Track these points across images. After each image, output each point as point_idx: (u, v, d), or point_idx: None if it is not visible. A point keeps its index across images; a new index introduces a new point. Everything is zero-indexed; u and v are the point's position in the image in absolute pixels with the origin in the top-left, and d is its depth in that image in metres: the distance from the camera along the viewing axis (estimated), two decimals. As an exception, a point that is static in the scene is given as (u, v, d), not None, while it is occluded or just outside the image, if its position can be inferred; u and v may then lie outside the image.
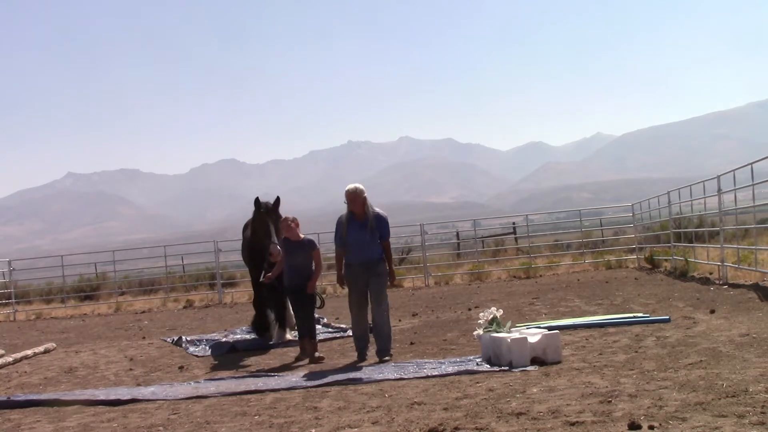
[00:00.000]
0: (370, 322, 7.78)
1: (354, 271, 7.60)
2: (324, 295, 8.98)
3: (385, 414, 5.06)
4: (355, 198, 7.54)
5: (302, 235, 8.21)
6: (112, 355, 9.83)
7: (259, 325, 9.89)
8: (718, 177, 12.67)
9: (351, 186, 7.65)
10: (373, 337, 7.66)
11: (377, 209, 7.64)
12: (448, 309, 11.98)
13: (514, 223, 30.42)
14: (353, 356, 7.92)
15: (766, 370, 5.22)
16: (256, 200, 9.28)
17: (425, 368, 6.63)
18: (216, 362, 8.64)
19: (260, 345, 9.48)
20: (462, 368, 6.46)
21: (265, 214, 9.09)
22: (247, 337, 10.34)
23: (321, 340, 9.34)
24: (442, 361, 6.96)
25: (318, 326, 10.67)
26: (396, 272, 20.56)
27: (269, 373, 7.39)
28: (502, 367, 6.31)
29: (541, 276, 18.38)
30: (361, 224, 7.52)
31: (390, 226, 7.75)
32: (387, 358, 7.45)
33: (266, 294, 9.63)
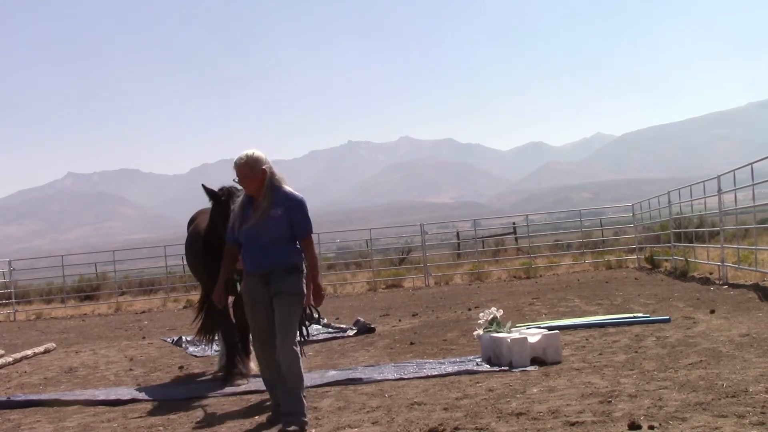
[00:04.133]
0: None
1: (250, 283, 5.05)
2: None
3: (385, 414, 5.06)
4: (248, 172, 4.98)
5: None
6: (112, 355, 9.82)
7: (233, 367, 7.10)
8: (718, 177, 12.67)
9: (242, 155, 5.04)
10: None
11: (288, 188, 5.08)
12: (448, 309, 11.97)
13: (514, 223, 30.43)
14: (353, 356, 7.90)
15: (766, 370, 5.22)
16: (210, 190, 6.89)
17: (425, 368, 6.63)
18: (216, 362, 8.64)
19: None
20: (462, 368, 6.46)
21: (227, 205, 6.56)
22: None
23: (321, 341, 9.34)
24: (442, 361, 6.96)
25: (317, 326, 10.67)
26: (396, 272, 20.89)
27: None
28: (502, 367, 6.31)
29: (541, 276, 18.38)
30: (260, 212, 4.98)
31: (310, 214, 5.09)
32: (293, 428, 4.73)
33: (226, 317, 7.24)
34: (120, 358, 9.38)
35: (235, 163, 5.03)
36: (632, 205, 20.77)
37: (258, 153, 5.03)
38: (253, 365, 7.05)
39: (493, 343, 6.63)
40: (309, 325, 5.57)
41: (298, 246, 5.07)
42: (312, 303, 5.12)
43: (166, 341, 10.80)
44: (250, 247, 5.03)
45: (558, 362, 6.34)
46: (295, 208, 5.01)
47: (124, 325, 14.47)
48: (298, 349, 5.02)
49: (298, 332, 5.09)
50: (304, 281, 5.07)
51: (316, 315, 5.43)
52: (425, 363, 6.90)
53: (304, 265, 5.10)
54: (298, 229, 5.02)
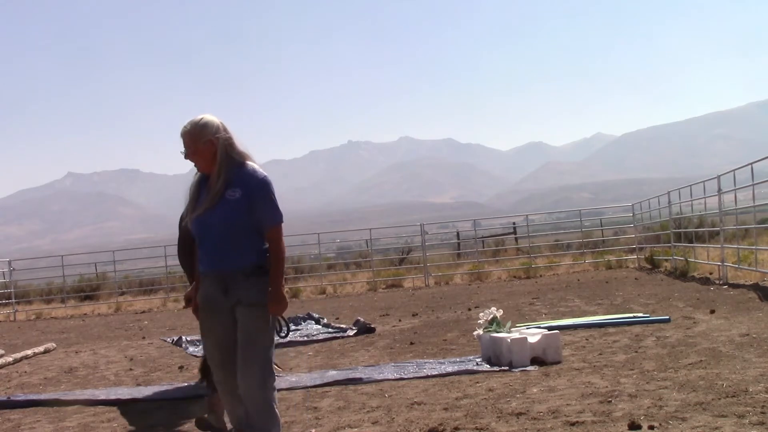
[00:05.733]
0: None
1: (206, 287, 3.99)
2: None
3: (385, 414, 5.06)
4: (191, 143, 3.91)
5: None
6: (112, 355, 9.82)
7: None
8: (718, 177, 12.68)
9: (191, 120, 3.98)
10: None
11: (253, 165, 3.97)
12: (448, 309, 11.97)
13: (514, 223, 30.42)
14: (353, 356, 7.89)
15: (766, 370, 5.22)
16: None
17: (425, 368, 6.63)
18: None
19: None
20: (462, 368, 6.46)
21: None
22: None
23: (321, 341, 9.34)
24: (442, 361, 6.96)
25: (317, 326, 10.67)
26: (396, 272, 20.90)
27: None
28: (502, 367, 6.31)
29: (541, 276, 18.38)
30: (213, 194, 3.89)
31: (277, 198, 3.96)
32: None
33: None
34: (120, 358, 9.38)
35: (180, 132, 3.96)
36: (632, 205, 20.77)
37: (208, 119, 3.94)
38: None
39: (493, 343, 6.63)
40: (282, 335, 4.27)
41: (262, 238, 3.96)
42: (272, 311, 3.89)
43: (166, 341, 10.80)
44: (203, 240, 3.94)
45: (558, 362, 6.34)
46: (257, 188, 3.87)
47: (124, 325, 14.47)
48: (270, 378, 3.88)
49: (272, 353, 3.94)
50: None
51: (283, 328, 4.11)
52: (425, 363, 6.90)
53: None
54: (262, 217, 3.88)
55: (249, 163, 3.95)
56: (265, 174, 3.95)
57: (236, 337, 3.88)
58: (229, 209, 3.84)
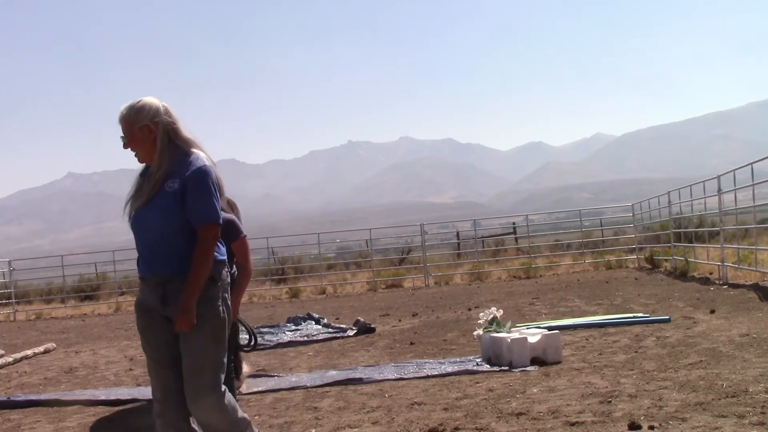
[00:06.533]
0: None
1: (143, 295, 3.51)
2: (253, 327, 5.36)
3: (385, 414, 5.06)
4: (128, 129, 3.45)
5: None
6: (112, 355, 9.83)
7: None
8: (718, 177, 12.67)
9: (127, 104, 3.50)
10: None
11: (198, 152, 3.46)
12: (448, 309, 11.97)
13: (514, 223, 30.42)
14: (353, 356, 7.89)
15: (766, 370, 5.22)
16: None
17: (425, 368, 6.63)
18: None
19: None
20: (462, 368, 6.47)
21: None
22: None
23: (321, 341, 9.34)
24: (442, 361, 6.96)
25: (317, 326, 10.67)
26: (396, 272, 20.91)
27: (269, 373, 7.38)
28: (502, 367, 6.31)
29: (541, 276, 18.38)
30: (151, 185, 3.44)
31: (218, 192, 3.41)
32: None
33: None
34: (120, 358, 9.38)
35: (118, 118, 3.47)
36: (632, 205, 20.77)
37: (146, 101, 3.45)
38: (246, 368, 6.86)
39: (493, 343, 6.63)
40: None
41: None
42: (176, 324, 3.32)
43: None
44: (139, 239, 3.46)
45: (558, 362, 6.34)
46: (191, 177, 3.33)
47: (124, 325, 14.47)
48: (224, 400, 3.38)
49: (222, 375, 3.41)
50: (225, 296, 3.46)
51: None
52: (425, 363, 6.90)
53: (224, 271, 3.48)
54: (190, 211, 3.33)
55: (195, 150, 3.45)
56: (207, 164, 3.40)
57: (177, 353, 3.38)
58: (169, 203, 3.34)
